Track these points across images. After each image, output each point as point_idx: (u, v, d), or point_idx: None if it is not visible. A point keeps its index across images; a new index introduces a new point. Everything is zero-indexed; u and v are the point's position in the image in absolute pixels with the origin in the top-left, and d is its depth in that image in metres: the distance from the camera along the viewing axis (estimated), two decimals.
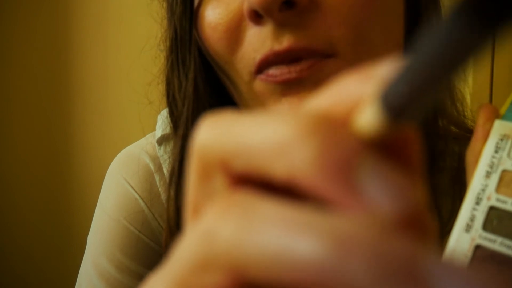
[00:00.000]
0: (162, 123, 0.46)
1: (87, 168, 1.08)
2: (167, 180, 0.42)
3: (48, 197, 1.18)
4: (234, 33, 0.33)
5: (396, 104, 0.11)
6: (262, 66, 0.33)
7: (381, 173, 0.11)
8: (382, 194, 0.11)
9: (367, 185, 0.11)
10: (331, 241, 0.10)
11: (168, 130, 0.44)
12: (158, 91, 0.43)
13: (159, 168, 0.45)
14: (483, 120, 0.31)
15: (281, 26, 0.31)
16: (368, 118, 0.12)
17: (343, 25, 0.32)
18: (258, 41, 0.32)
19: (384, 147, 0.13)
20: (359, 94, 0.13)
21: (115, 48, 1.11)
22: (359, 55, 0.33)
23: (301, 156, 0.12)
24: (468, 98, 0.86)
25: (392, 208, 0.11)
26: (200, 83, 0.38)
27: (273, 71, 0.32)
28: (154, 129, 0.47)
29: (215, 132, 0.13)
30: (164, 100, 0.42)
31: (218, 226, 0.12)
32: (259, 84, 0.34)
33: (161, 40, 0.41)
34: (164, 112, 0.46)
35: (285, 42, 0.31)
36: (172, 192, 0.40)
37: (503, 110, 0.32)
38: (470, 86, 0.85)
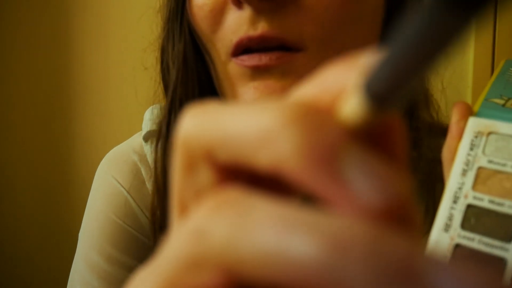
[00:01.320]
0: (148, 120, 0.47)
1: (88, 167, 1.06)
2: (152, 167, 0.44)
3: (49, 196, 1.17)
4: (218, 14, 0.36)
5: (379, 91, 0.11)
6: (237, 49, 0.35)
7: (365, 163, 0.11)
8: (365, 184, 0.11)
9: (351, 174, 0.11)
10: (327, 241, 0.10)
11: (154, 127, 0.46)
12: (160, 88, 0.45)
13: (146, 164, 0.46)
14: (457, 117, 0.31)
15: (258, 14, 0.33)
16: (352, 106, 0.12)
17: (316, 23, 0.34)
18: (236, 24, 0.35)
19: (368, 136, 0.13)
20: (343, 83, 0.13)
21: (117, 47, 1.11)
22: (327, 53, 0.34)
23: (285, 144, 0.12)
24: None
25: (376, 198, 0.11)
26: (190, 54, 0.40)
27: (245, 56, 0.34)
28: None
29: (199, 122, 0.13)
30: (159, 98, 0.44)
31: (211, 224, 0.12)
32: (233, 67, 0.36)
33: (159, 10, 0.44)
34: (150, 110, 0.48)
35: (260, 29, 0.33)
36: (159, 176, 0.42)
37: (476, 107, 0.32)
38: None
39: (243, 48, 0.35)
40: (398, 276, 0.10)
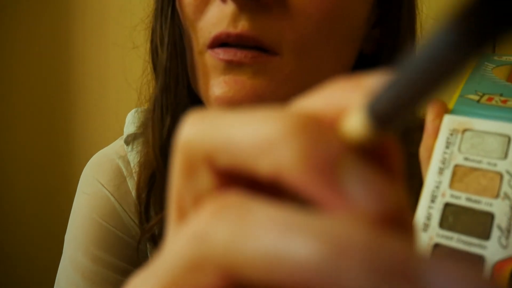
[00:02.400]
0: (129, 123, 0.48)
1: None
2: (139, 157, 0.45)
3: (49, 196, 1.17)
4: (202, 3, 0.36)
5: (381, 113, 0.12)
6: (215, 42, 0.35)
7: (362, 173, 0.12)
8: (362, 192, 0.12)
9: (349, 182, 0.12)
10: (326, 244, 0.11)
11: (135, 129, 0.47)
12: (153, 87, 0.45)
13: (128, 165, 0.47)
14: (433, 116, 0.31)
15: (240, 11, 0.33)
16: (354, 124, 0.13)
17: (296, 31, 0.34)
18: (218, 18, 0.35)
19: (367, 153, 0.13)
20: (347, 101, 0.13)
21: (116, 47, 1.10)
22: (302, 62, 0.35)
23: (286, 153, 0.12)
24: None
25: (372, 205, 0.11)
26: (178, 36, 0.39)
27: (220, 50, 0.35)
28: None
29: (201, 128, 0.14)
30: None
31: (212, 227, 0.12)
32: (208, 58, 0.36)
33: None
34: (131, 114, 0.49)
35: (240, 27, 0.33)
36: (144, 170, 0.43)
37: (451, 105, 0.32)
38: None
39: (220, 42, 0.35)
40: (395, 278, 0.10)
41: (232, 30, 0.34)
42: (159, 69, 0.40)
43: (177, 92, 0.40)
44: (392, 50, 0.40)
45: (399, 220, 0.12)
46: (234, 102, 0.34)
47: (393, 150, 0.14)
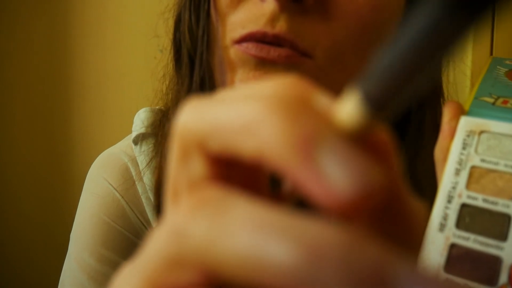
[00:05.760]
0: (138, 123, 0.48)
1: (88, 167, 1.05)
2: (154, 152, 0.44)
3: (49, 196, 1.16)
4: None
5: (376, 95, 0.11)
6: (247, 39, 0.34)
7: (342, 153, 0.11)
8: (339, 172, 0.11)
9: (326, 162, 0.11)
10: (303, 247, 0.10)
11: (143, 130, 0.47)
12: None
13: (136, 165, 0.46)
14: (449, 117, 0.31)
15: (280, 11, 0.33)
16: (348, 110, 0.12)
17: (331, 38, 0.33)
18: (255, 14, 0.33)
19: (360, 141, 0.13)
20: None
21: (115, 47, 1.10)
22: (333, 68, 0.34)
23: (266, 132, 0.12)
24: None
25: (348, 186, 0.11)
26: (208, 28, 0.38)
27: (252, 46, 0.33)
28: None
29: (194, 114, 0.14)
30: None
31: (190, 224, 0.12)
32: (235, 52, 0.35)
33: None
34: (140, 113, 0.49)
35: (277, 28, 0.33)
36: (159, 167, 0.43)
37: (467, 106, 0.32)
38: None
39: (254, 40, 0.34)
40: (370, 283, 0.10)
41: (269, 29, 0.33)
42: (185, 63, 0.39)
43: (211, 89, 0.38)
44: None
45: (385, 200, 0.12)
46: None
47: (385, 145, 0.14)
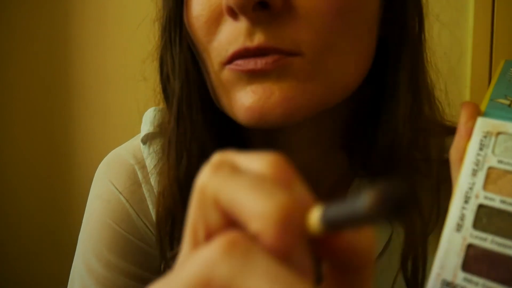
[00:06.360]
0: (147, 122, 0.47)
1: (88, 167, 1.05)
2: (157, 168, 0.44)
3: (49, 196, 1.16)
4: (213, 25, 0.36)
5: (331, 222, 0.17)
6: (233, 58, 0.35)
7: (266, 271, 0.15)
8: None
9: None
10: None
11: (152, 129, 0.46)
12: (161, 98, 0.44)
13: (143, 167, 0.46)
14: (466, 118, 0.31)
15: (254, 25, 0.33)
16: (314, 219, 0.17)
17: (311, 30, 0.34)
18: (233, 35, 0.35)
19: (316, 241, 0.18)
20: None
21: (115, 47, 1.10)
22: (324, 57, 0.34)
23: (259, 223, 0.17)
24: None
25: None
26: (190, 66, 0.39)
27: (240, 61, 0.34)
28: None
29: (215, 179, 0.18)
30: (157, 98, 0.43)
31: (221, 259, 0.16)
32: (227, 73, 0.36)
33: (156, 19, 0.43)
34: (149, 112, 0.48)
35: (256, 40, 0.33)
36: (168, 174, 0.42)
37: (483, 107, 0.32)
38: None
39: (239, 57, 0.35)
40: None
41: (249, 44, 0.33)
42: (172, 99, 0.40)
43: (192, 119, 0.39)
44: (402, 29, 0.39)
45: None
46: (265, 110, 0.34)
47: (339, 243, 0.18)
